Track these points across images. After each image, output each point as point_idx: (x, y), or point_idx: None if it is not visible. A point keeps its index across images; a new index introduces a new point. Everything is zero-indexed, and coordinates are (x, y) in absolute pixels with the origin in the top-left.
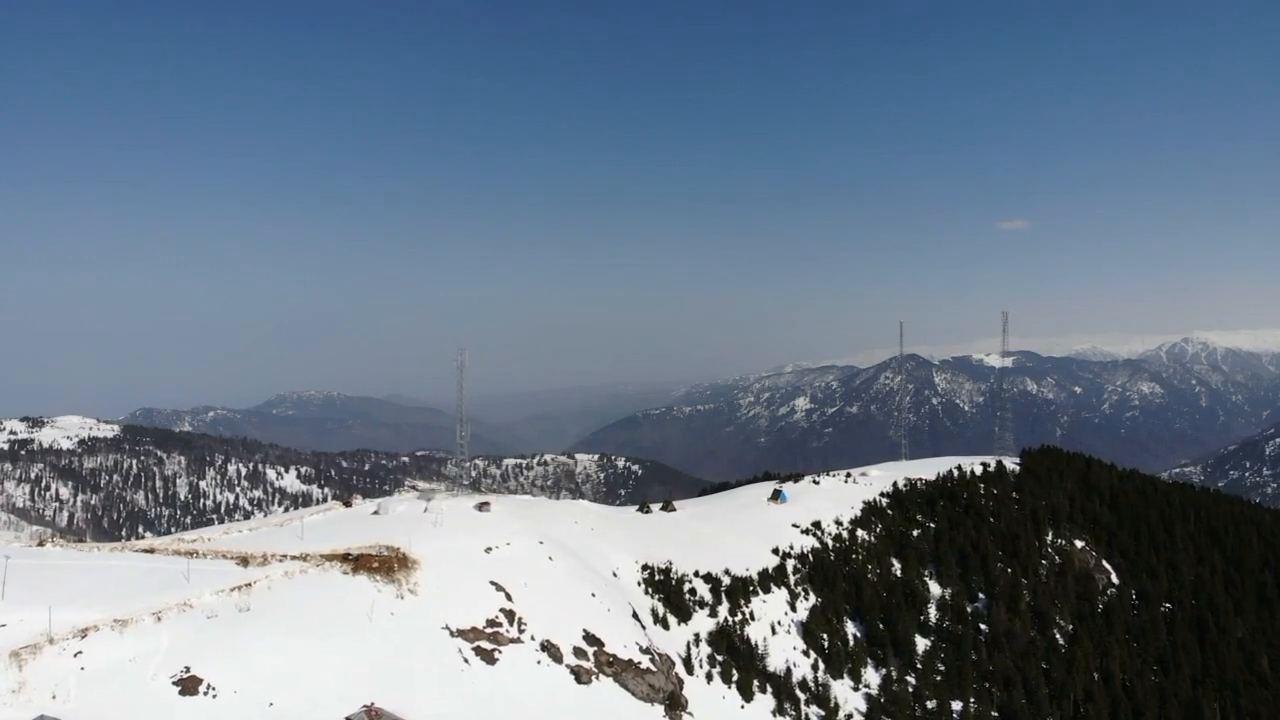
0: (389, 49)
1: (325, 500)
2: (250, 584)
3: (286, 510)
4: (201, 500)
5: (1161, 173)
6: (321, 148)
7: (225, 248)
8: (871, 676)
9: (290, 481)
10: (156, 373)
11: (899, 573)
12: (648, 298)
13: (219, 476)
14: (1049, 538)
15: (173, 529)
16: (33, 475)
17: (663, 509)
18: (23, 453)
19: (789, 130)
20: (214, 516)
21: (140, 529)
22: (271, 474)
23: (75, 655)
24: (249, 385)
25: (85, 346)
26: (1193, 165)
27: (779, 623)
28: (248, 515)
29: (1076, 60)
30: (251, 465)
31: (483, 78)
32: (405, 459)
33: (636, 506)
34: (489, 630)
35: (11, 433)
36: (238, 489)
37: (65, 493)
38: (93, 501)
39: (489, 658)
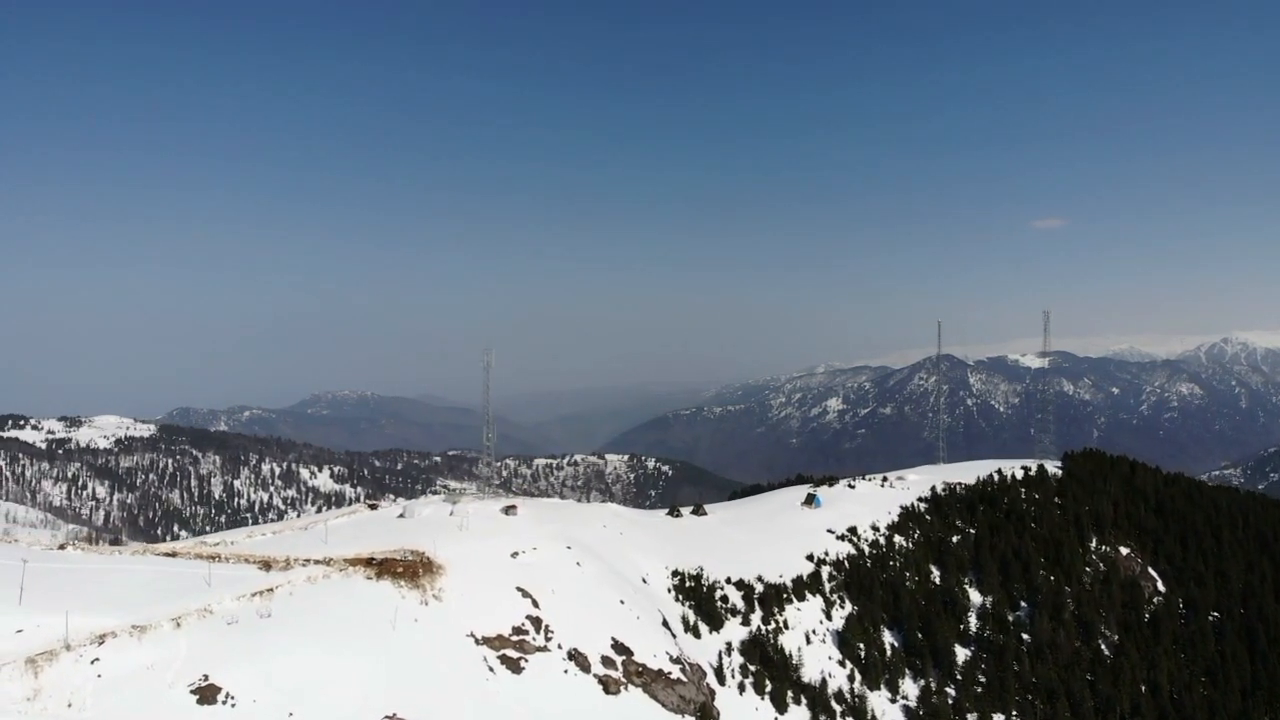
0: (420, 58)
1: (358, 499)
2: (272, 589)
3: (319, 510)
4: (236, 499)
5: (1200, 170)
6: (354, 153)
7: (264, 251)
8: (910, 688)
9: (323, 481)
10: (194, 373)
11: (938, 580)
12: (678, 298)
13: (253, 476)
14: (1093, 544)
15: (207, 528)
16: (70, 474)
17: (693, 513)
18: (60, 452)
19: (821, 131)
20: (248, 516)
21: (175, 528)
22: (305, 473)
23: (92, 662)
24: (284, 385)
25: (124, 347)
26: (1232, 164)
27: (814, 632)
28: (281, 515)
29: (1113, 58)
30: (285, 465)
31: (525, 85)
32: (437, 458)
33: (666, 510)
34: (515, 638)
35: (49, 432)
36: (271, 488)
37: (102, 492)
38: (129, 500)
39: (515, 667)
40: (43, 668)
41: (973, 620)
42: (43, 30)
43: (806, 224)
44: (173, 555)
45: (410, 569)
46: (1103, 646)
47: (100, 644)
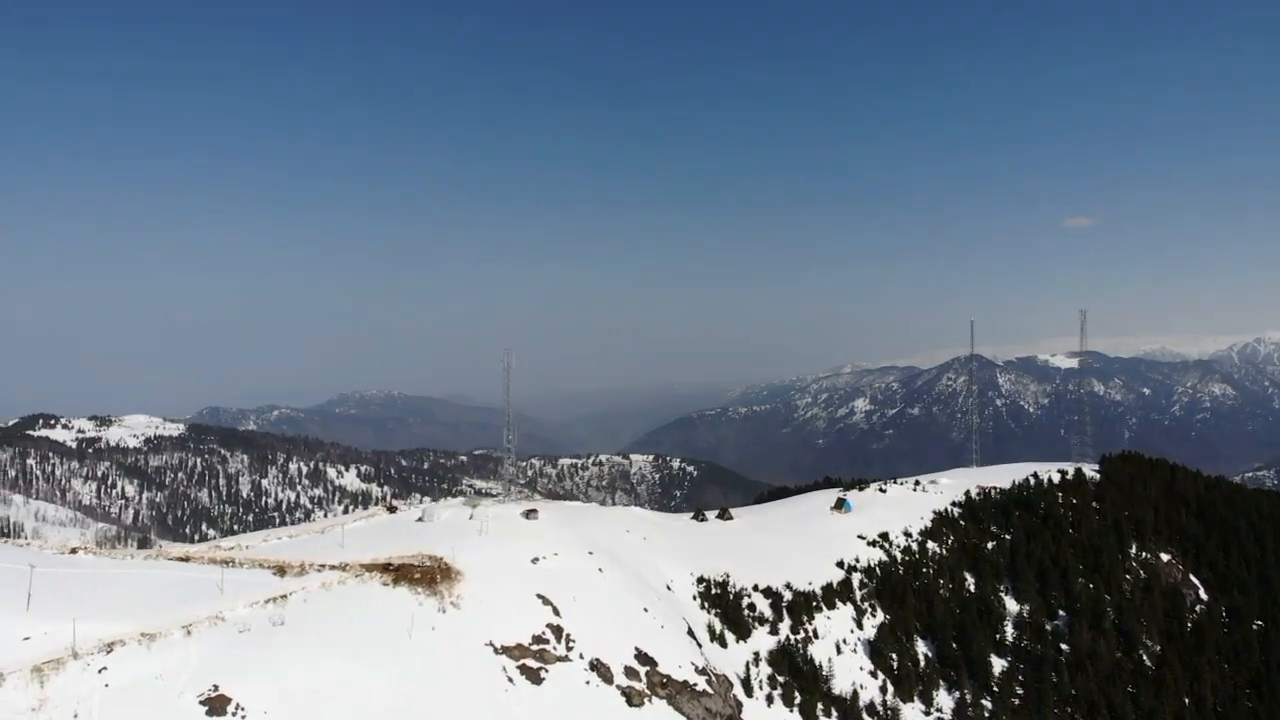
0: (455, 66)
1: (384, 498)
2: (286, 596)
3: (345, 509)
4: (263, 498)
5: (1231, 169)
6: (385, 156)
7: (295, 253)
8: (944, 700)
9: (350, 480)
10: (224, 373)
11: (973, 588)
12: (704, 299)
13: (280, 475)
14: (1133, 550)
15: (235, 527)
16: (99, 473)
17: (719, 517)
18: (90, 451)
19: (850, 131)
20: (275, 515)
21: (204, 527)
22: (332, 472)
23: (100, 671)
24: (313, 385)
25: (156, 348)
26: (1263, 161)
27: (844, 641)
28: (308, 514)
29: (1144, 56)
30: (312, 464)
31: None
32: (463, 458)
33: (691, 514)
34: (535, 647)
35: (80, 431)
36: (299, 487)
37: (131, 490)
38: (158, 499)
39: (535, 677)
40: (49, 677)
41: (1009, 630)
42: (91, 38)
43: (834, 224)
44: (186, 560)
45: (428, 575)
46: (1144, 657)
47: (108, 652)
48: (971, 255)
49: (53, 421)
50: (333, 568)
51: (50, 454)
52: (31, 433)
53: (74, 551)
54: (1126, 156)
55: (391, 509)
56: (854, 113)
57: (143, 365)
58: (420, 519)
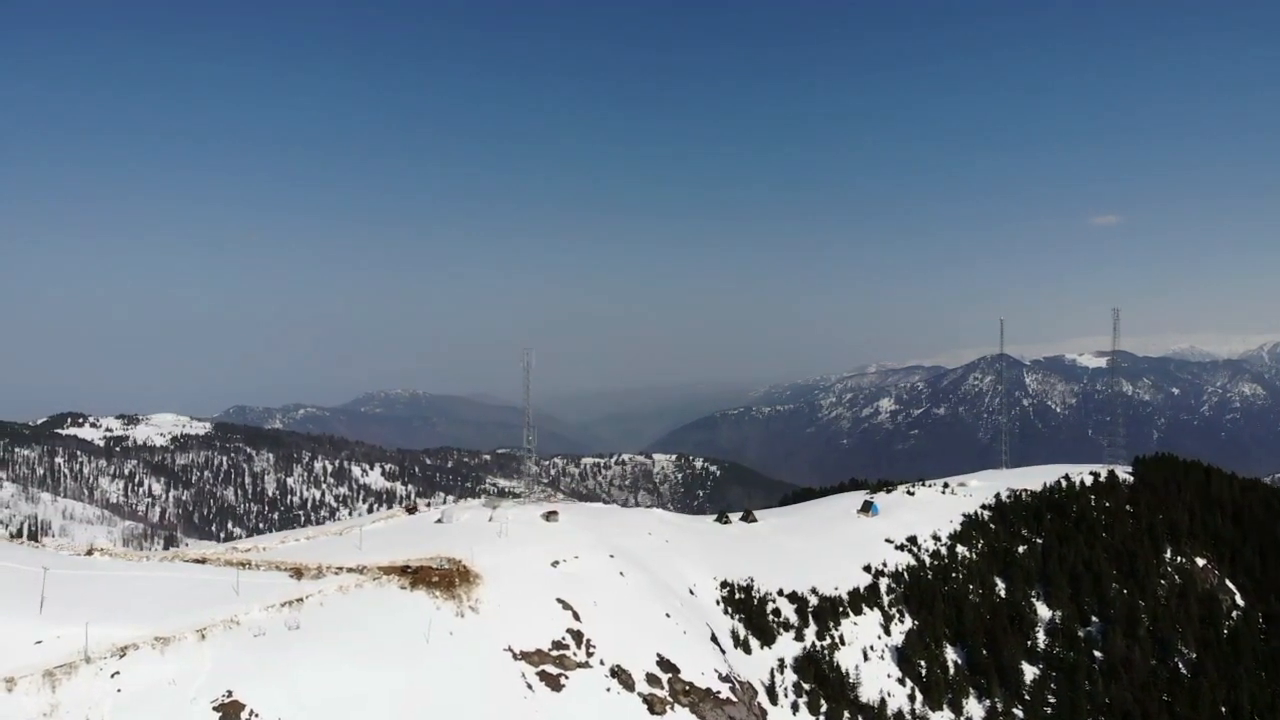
0: (485, 69)
1: (408, 497)
2: (302, 599)
3: (370, 508)
4: (289, 497)
5: (1261, 164)
6: (412, 156)
7: (322, 252)
8: (974, 708)
9: (375, 479)
10: (251, 372)
11: (1004, 593)
12: (727, 297)
13: (306, 473)
14: (1167, 555)
15: (260, 525)
16: (126, 471)
17: (743, 519)
18: (117, 449)
19: (874, 129)
20: (300, 513)
21: (229, 525)
22: (356, 471)
23: (113, 676)
24: (339, 384)
25: (184, 347)
26: None
27: (872, 648)
28: (333, 512)
29: (1171, 53)
30: (338, 462)
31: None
32: (487, 456)
33: (715, 516)
34: (555, 653)
35: (108, 430)
36: (324, 486)
37: (157, 489)
38: (184, 497)
39: (554, 684)
40: (61, 681)
41: (1041, 636)
42: (134, 40)
43: (859, 224)
44: (203, 561)
45: (446, 578)
46: (1179, 665)
47: (121, 656)
48: (999, 254)
49: (81, 420)
50: (350, 570)
51: (78, 452)
52: (60, 431)
53: (90, 553)
54: (1155, 153)
55: (411, 510)
56: (878, 113)
57: (171, 364)
58: (439, 520)
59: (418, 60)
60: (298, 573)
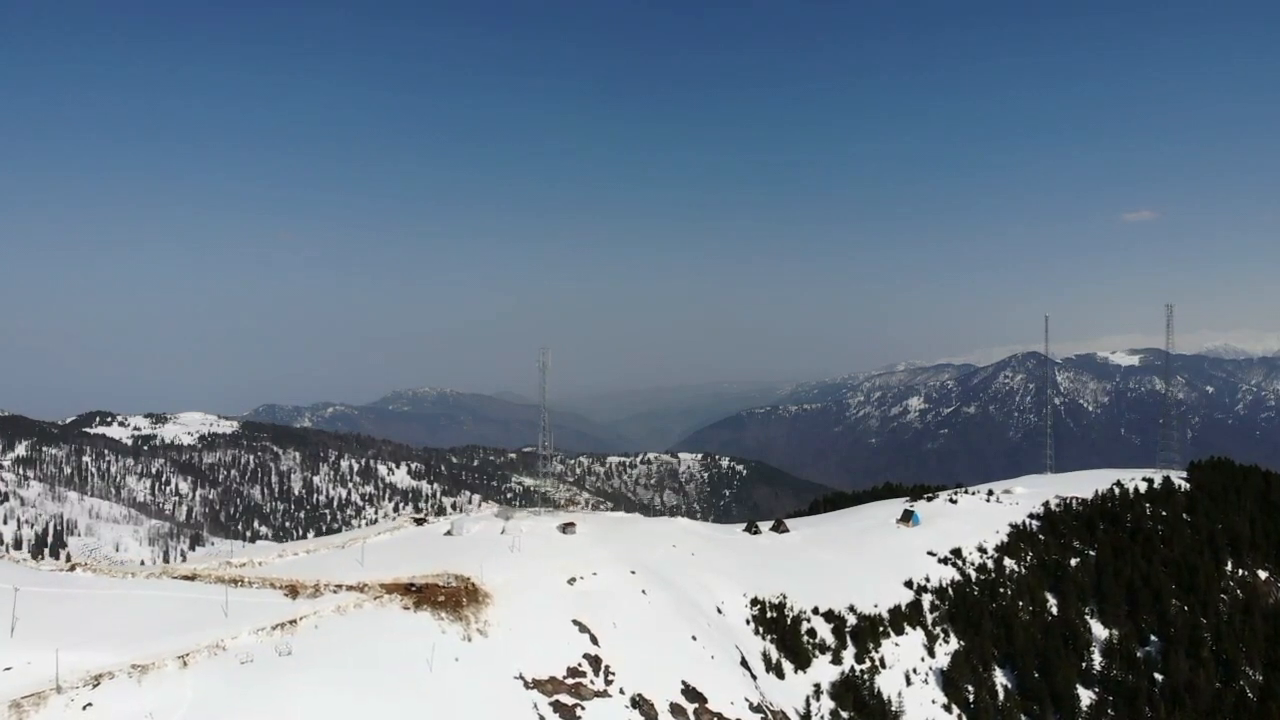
0: (513, 72)
1: (434, 495)
2: (295, 621)
3: (396, 506)
4: (315, 495)
5: None
6: (436, 159)
7: (354, 254)
8: None
9: (401, 477)
10: (282, 371)
11: (1055, 611)
12: (754, 296)
13: (332, 472)
14: (1228, 567)
15: (287, 524)
16: (153, 470)
17: (774, 529)
18: (145, 448)
19: (903, 125)
20: (326, 511)
21: (255, 523)
22: (383, 469)
23: (85, 708)
24: (368, 382)
25: (217, 346)
26: None
27: (914, 671)
28: (359, 510)
29: (1205, 48)
30: (364, 461)
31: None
32: (512, 455)
33: (743, 526)
34: (570, 681)
35: (136, 428)
36: (350, 484)
37: (184, 487)
38: (210, 496)
39: (569, 715)
40: (28, 713)
41: (1096, 658)
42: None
43: (888, 222)
44: (192, 578)
45: (453, 597)
46: (1245, 688)
47: (95, 686)
48: (1031, 251)
49: (109, 419)
50: (350, 588)
51: (106, 451)
52: (88, 430)
53: (73, 568)
54: (1188, 150)
55: (419, 520)
56: (909, 112)
57: (203, 363)
58: (448, 532)
59: (450, 66)
60: (293, 591)
